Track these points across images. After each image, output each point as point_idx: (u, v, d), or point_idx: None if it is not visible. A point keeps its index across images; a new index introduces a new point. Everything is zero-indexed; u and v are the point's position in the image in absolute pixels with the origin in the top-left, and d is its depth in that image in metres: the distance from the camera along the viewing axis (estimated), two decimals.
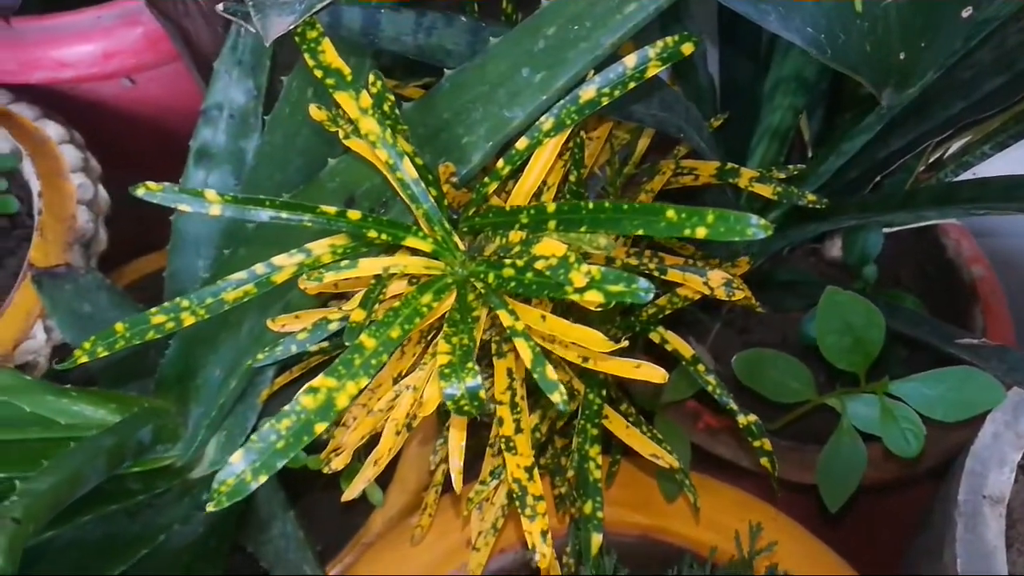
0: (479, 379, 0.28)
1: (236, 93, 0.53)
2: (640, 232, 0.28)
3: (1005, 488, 0.51)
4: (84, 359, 0.32)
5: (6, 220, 0.68)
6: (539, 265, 0.29)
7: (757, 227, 0.26)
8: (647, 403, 0.53)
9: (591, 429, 0.39)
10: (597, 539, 0.36)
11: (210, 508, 0.26)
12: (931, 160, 0.62)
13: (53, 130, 0.72)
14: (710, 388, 0.43)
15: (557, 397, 0.28)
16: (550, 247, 0.29)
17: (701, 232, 0.27)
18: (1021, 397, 0.54)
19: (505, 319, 0.30)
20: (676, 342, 0.42)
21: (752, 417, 0.43)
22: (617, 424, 0.40)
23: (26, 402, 0.46)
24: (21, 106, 0.72)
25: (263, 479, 0.26)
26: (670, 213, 0.27)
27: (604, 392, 0.41)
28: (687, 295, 0.43)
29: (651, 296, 0.27)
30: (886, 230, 0.65)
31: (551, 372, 0.28)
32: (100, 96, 0.77)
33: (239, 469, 0.26)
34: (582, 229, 0.30)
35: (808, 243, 0.68)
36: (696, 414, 0.60)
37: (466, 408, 0.28)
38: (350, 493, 0.46)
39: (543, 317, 0.32)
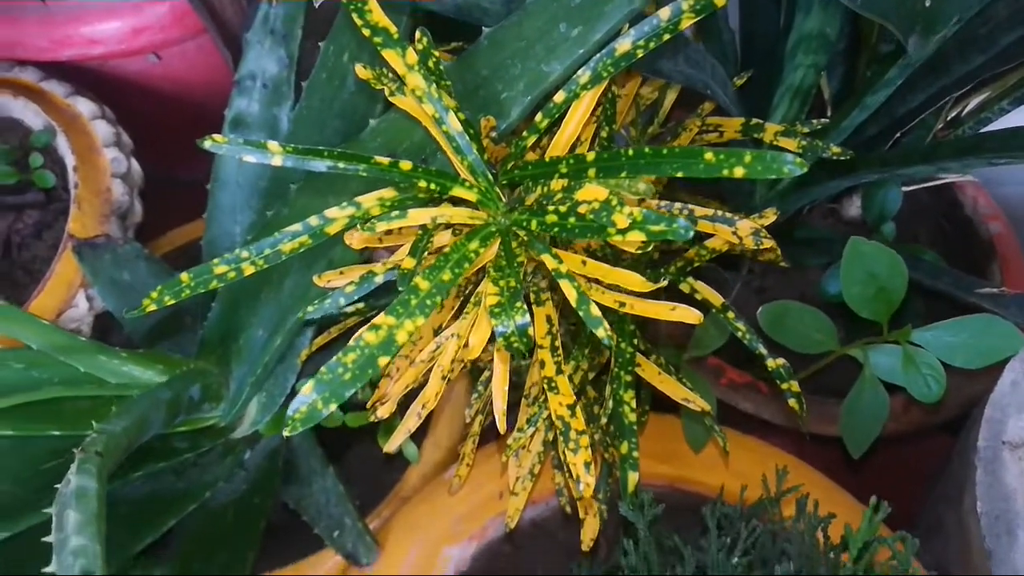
0: (528, 317, 0.30)
1: (268, 63, 0.55)
2: (680, 174, 0.29)
3: None
4: (152, 308, 0.34)
5: (43, 195, 0.70)
6: (582, 210, 0.30)
7: (793, 164, 0.27)
8: (672, 358, 0.55)
9: (624, 376, 0.41)
10: (634, 477, 0.38)
11: (285, 433, 0.27)
12: (949, 118, 0.63)
13: (84, 106, 0.73)
14: (740, 334, 0.44)
15: (602, 332, 0.29)
16: (592, 192, 0.30)
17: (739, 172, 0.28)
18: None
19: (549, 263, 0.31)
20: (706, 291, 0.44)
21: (781, 360, 0.45)
22: (650, 371, 0.42)
23: (80, 362, 0.48)
24: (52, 83, 0.74)
25: (333, 407, 0.28)
26: (708, 155, 0.29)
27: (635, 342, 0.43)
28: (715, 247, 0.44)
29: (691, 234, 0.28)
30: (904, 189, 0.66)
31: (595, 309, 0.30)
32: (127, 73, 0.78)
33: (311, 399, 0.28)
34: (622, 175, 0.31)
35: (826, 203, 0.69)
36: (719, 370, 0.61)
37: (515, 344, 0.29)
38: (391, 445, 0.48)
39: (584, 262, 0.33)
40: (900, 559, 0.42)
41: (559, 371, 0.35)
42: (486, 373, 0.50)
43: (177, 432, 0.56)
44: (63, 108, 0.73)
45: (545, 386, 0.35)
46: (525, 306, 0.30)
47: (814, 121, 0.48)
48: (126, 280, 0.63)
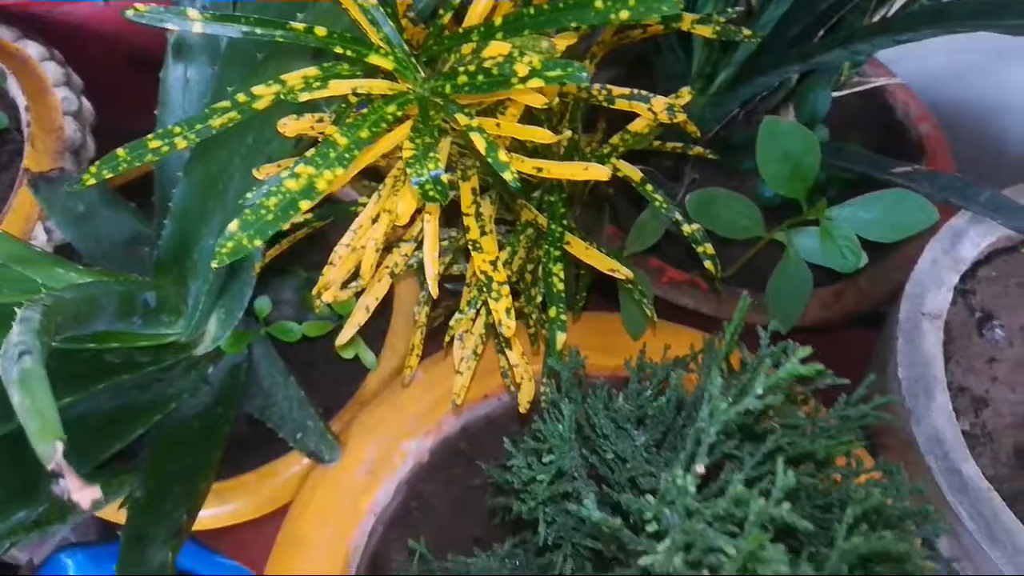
0: (441, 168, 0.32)
1: None
2: (575, 24, 0.31)
3: (942, 306, 0.55)
4: (92, 182, 0.36)
5: None
6: (487, 65, 0.32)
7: (670, 3, 0.29)
8: (613, 256, 0.58)
9: (554, 252, 0.43)
10: (562, 337, 0.41)
11: (214, 265, 0.29)
12: (875, 19, 0.66)
13: (34, 49, 0.74)
14: (657, 203, 0.47)
15: (508, 176, 0.32)
16: (496, 48, 0.32)
17: (624, 14, 0.30)
18: (959, 227, 0.58)
19: (462, 120, 0.34)
20: (626, 168, 0.46)
21: (696, 226, 0.47)
22: (578, 247, 0.44)
23: (38, 274, 0.50)
24: (0, 28, 0.75)
25: (258, 243, 0.30)
26: (598, 3, 0.31)
27: (564, 223, 0.45)
28: (637, 130, 0.47)
29: (586, 77, 0.30)
30: (836, 94, 0.68)
31: (503, 155, 0.32)
32: (76, 18, 0.79)
33: (237, 235, 0.30)
34: (526, 33, 0.33)
35: (764, 113, 0.72)
36: (660, 270, 0.64)
37: (431, 193, 0.32)
38: (342, 338, 0.50)
39: (497, 124, 0.36)
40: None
41: (483, 233, 0.37)
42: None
43: (139, 347, 0.58)
44: (12, 52, 0.74)
45: (470, 247, 0.38)
46: (438, 157, 0.32)
47: (730, 9, 0.50)
48: (81, 211, 0.64)
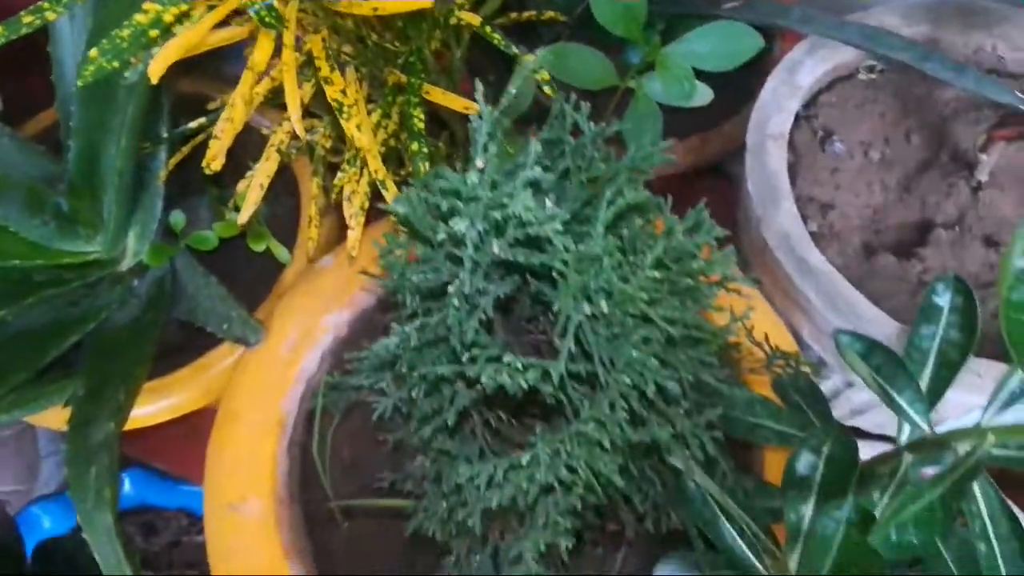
0: None
1: None
2: None
3: (784, 127, 0.62)
4: None
5: None
6: None
7: None
8: None
9: (413, 99, 0.48)
10: (424, 166, 0.46)
11: (79, 83, 0.34)
12: None
13: None
14: (496, 42, 0.51)
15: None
16: None
17: None
18: (796, 58, 0.65)
19: None
20: (467, 16, 0.51)
21: (531, 56, 0.52)
22: (436, 94, 0.50)
23: None
24: None
25: (115, 64, 0.34)
26: None
27: (422, 76, 0.50)
28: None
29: None
30: None
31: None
32: None
33: (97, 60, 0.34)
34: None
35: None
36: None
37: (267, 19, 0.37)
38: (243, 217, 0.55)
39: None
40: None
41: (332, 70, 0.42)
42: (317, 151, 0.57)
43: (65, 265, 0.62)
44: None
45: (323, 83, 0.43)
46: None
47: None
48: None
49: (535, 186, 0.28)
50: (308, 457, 0.58)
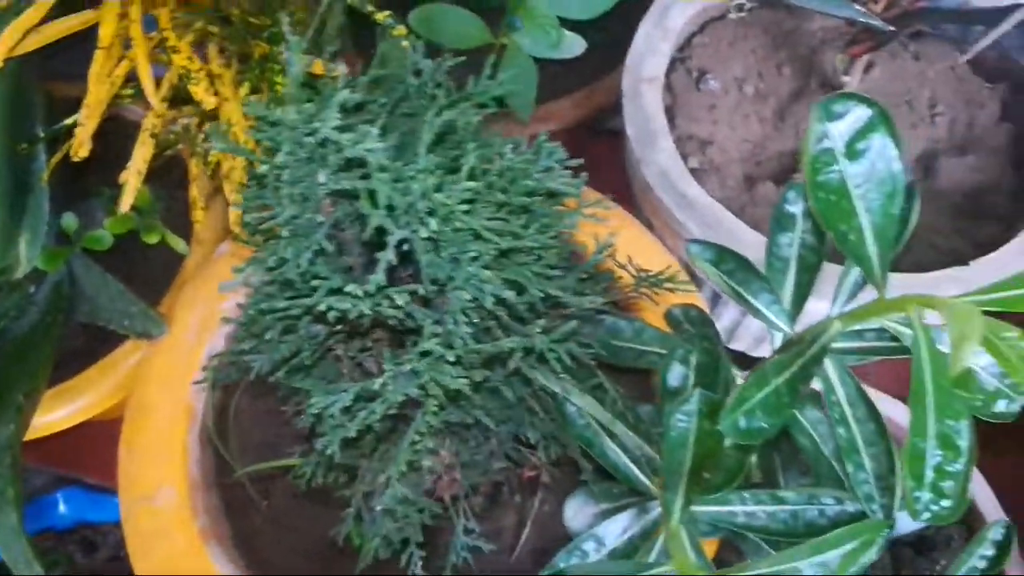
0: None
1: None
2: None
3: (658, 70, 0.63)
4: None
5: None
6: None
7: None
8: None
9: (276, 67, 0.49)
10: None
11: None
12: None
13: None
14: (354, 3, 0.52)
15: None
16: None
17: None
18: (665, 3, 0.66)
19: None
20: None
21: (386, 12, 0.53)
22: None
23: None
24: None
25: None
26: None
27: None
28: None
29: None
30: None
31: None
32: None
33: None
34: None
35: None
36: None
37: None
38: (124, 205, 0.55)
39: None
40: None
41: (178, 39, 0.43)
42: (191, 131, 0.57)
43: None
44: None
45: (171, 52, 0.43)
46: None
47: None
48: None
49: (349, 111, 0.29)
50: (227, 440, 0.58)
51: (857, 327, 0.38)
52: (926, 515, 0.31)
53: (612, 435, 0.42)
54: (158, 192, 0.69)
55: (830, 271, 0.43)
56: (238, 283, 0.34)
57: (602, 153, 0.72)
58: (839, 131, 0.31)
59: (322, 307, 0.29)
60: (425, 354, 0.30)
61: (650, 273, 0.46)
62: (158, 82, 0.48)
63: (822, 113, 0.31)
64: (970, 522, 0.63)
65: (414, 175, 0.29)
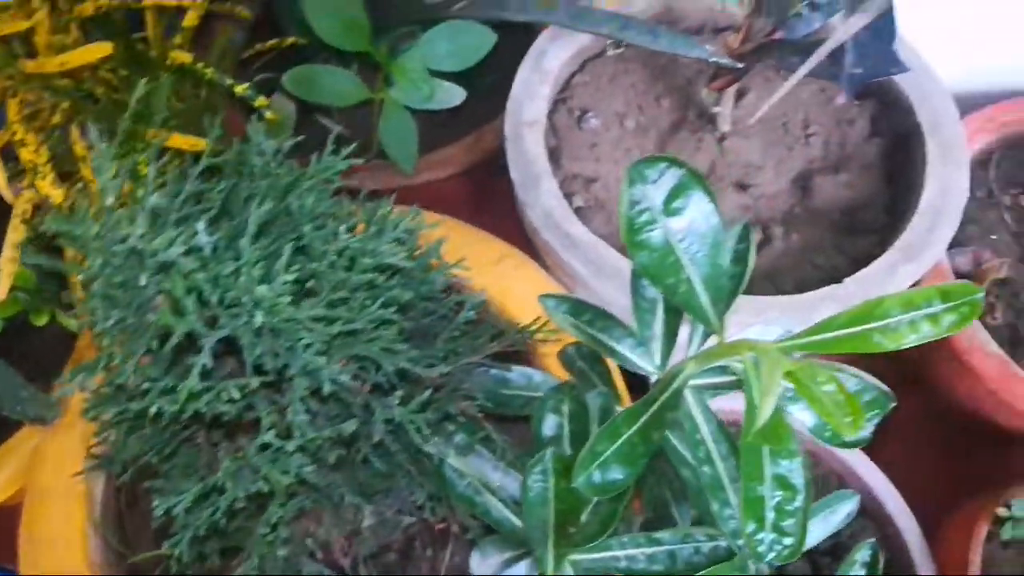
0: None
1: None
2: None
3: (538, 113, 0.64)
4: None
5: None
6: None
7: None
8: None
9: (139, 145, 0.48)
10: None
11: None
12: None
13: None
14: (208, 76, 0.52)
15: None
16: None
17: None
18: (540, 47, 0.67)
19: None
20: (180, 56, 0.52)
21: (245, 85, 0.53)
22: (177, 140, 0.50)
23: None
24: None
25: None
26: None
27: (151, 122, 0.50)
28: (189, 24, 0.52)
29: None
30: None
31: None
32: None
33: None
34: None
35: None
36: None
37: None
38: (1, 289, 0.54)
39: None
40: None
41: (27, 132, 0.42)
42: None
43: None
44: None
45: (17, 146, 0.42)
46: None
47: None
48: None
49: (188, 199, 0.29)
50: (124, 523, 0.57)
51: (712, 366, 0.39)
52: (771, 555, 0.32)
53: (493, 491, 0.42)
54: (53, 268, 0.68)
55: None
56: (70, 391, 0.34)
57: (505, 191, 0.73)
58: (655, 192, 0.32)
59: (153, 409, 0.29)
60: (265, 446, 0.30)
61: (521, 326, 0.47)
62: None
63: (635, 176, 0.32)
64: (880, 522, 0.64)
65: (236, 270, 0.29)
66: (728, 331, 0.53)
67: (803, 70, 0.48)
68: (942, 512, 0.68)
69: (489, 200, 0.72)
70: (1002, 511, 0.62)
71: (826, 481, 0.67)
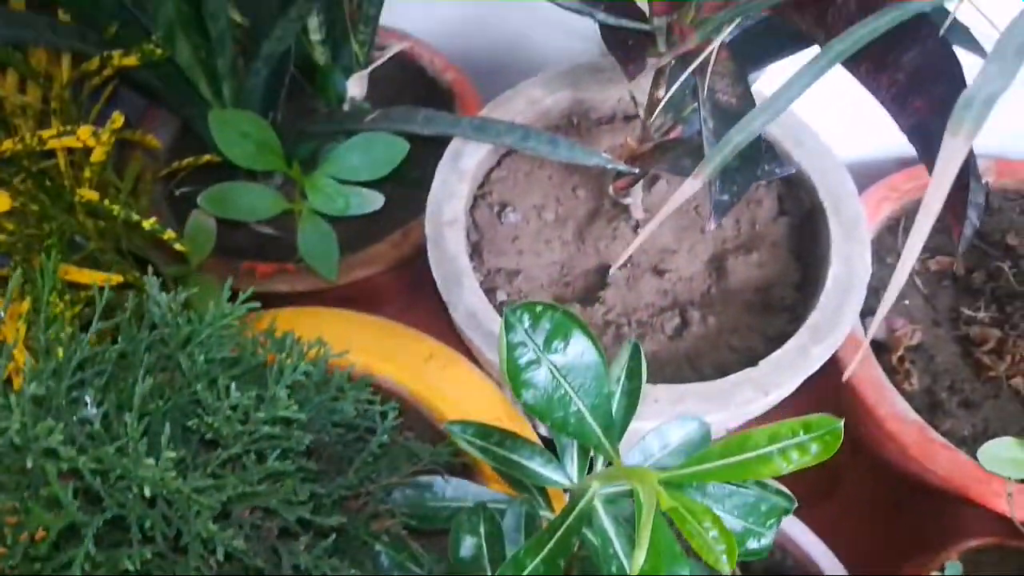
0: None
1: None
2: None
3: (457, 212, 0.66)
4: None
5: None
6: None
7: None
8: (181, 272, 0.64)
9: (48, 283, 0.49)
10: None
11: None
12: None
13: None
14: (116, 213, 0.52)
15: None
16: None
17: None
18: (456, 147, 0.69)
19: None
20: (88, 193, 0.52)
21: (153, 219, 0.53)
22: (72, 272, 0.50)
23: None
24: None
25: None
26: None
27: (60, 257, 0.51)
28: (97, 160, 0.53)
29: None
30: (372, 67, 0.77)
31: None
32: None
33: None
34: None
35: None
36: (252, 271, 0.71)
37: None
38: None
39: None
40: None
41: None
42: None
43: None
44: None
45: None
46: None
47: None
48: None
49: (41, 402, 0.29)
50: None
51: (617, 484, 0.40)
52: None
53: None
54: None
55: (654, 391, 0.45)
56: None
57: (435, 285, 0.74)
58: (535, 335, 0.33)
59: None
60: None
61: (438, 445, 0.47)
62: None
63: (513, 321, 0.33)
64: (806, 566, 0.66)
65: (120, 446, 0.29)
66: (648, 422, 0.55)
67: (668, 209, 0.47)
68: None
69: (419, 295, 0.73)
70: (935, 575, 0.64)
71: None
